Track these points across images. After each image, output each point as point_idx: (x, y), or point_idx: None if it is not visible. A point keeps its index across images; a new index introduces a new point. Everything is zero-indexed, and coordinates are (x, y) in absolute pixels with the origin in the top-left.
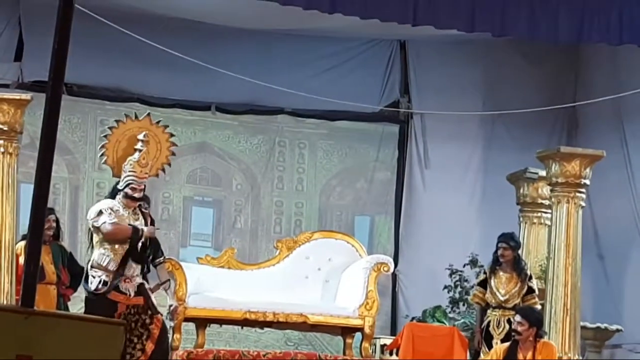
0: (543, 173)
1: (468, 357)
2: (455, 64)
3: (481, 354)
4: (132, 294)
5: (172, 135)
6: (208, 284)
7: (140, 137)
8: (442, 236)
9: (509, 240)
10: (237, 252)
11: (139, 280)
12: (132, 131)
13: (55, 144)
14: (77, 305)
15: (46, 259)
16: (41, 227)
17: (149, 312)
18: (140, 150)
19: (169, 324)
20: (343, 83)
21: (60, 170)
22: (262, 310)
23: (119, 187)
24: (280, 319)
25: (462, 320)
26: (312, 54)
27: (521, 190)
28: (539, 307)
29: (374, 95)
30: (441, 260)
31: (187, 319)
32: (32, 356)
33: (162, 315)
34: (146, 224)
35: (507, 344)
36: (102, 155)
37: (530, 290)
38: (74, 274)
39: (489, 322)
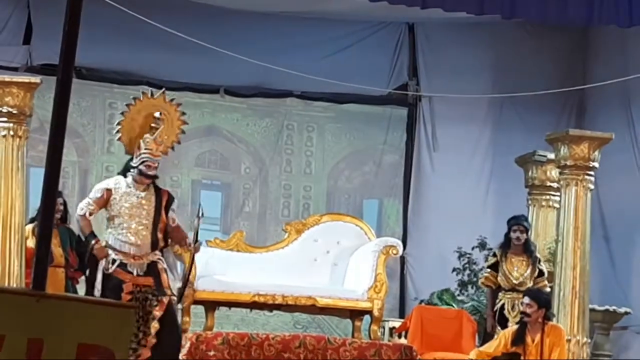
0: (552, 156)
1: (477, 340)
2: (464, 47)
3: (495, 337)
4: (141, 273)
5: (183, 113)
6: (217, 267)
7: (157, 114)
8: (451, 219)
9: (523, 221)
10: (246, 235)
11: (151, 258)
12: (147, 109)
13: (65, 126)
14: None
15: (54, 242)
16: (52, 210)
17: (156, 294)
18: (157, 128)
19: (179, 306)
20: (351, 66)
21: (70, 154)
22: (270, 293)
23: (133, 164)
24: (289, 302)
25: (471, 303)
26: (321, 37)
27: (530, 173)
28: (548, 289)
29: (383, 78)
30: (450, 243)
31: (196, 302)
32: (44, 339)
33: (170, 296)
34: (160, 203)
35: (515, 327)
36: (117, 132)
37: (541, 273)
38: (83, 256)
39: (503, 305)
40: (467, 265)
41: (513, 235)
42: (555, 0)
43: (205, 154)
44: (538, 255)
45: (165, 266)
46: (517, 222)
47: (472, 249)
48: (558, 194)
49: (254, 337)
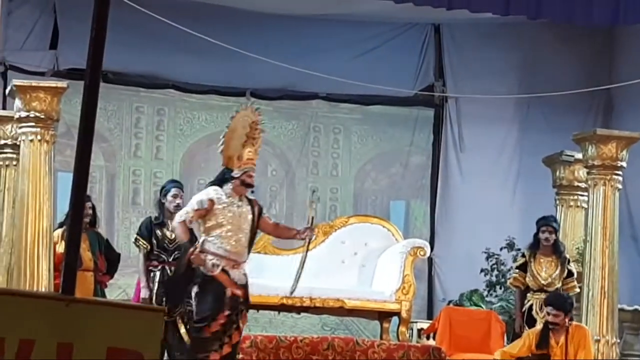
0: (579, 156)
1: (506, 341)
2: (490, 47)
3: None
4: (241, 282)
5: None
6: None
7: (257, 126)
8: (478, 219)
9: (552, 222)
10: (273, 237)
11: (244, 268)
12: (244, 121)
13: (93, 131)
14: (114, 292)
15: (83, 246)
16: (81, 215)
17: (242, 307)
18: (254, 138)
19: None
20: (377, 68)
21: (97, 158)
22: (298, 296)
23: (234, 174)
24: (317, 304)
25: (499, 304)
26: (347, 39)
27: (557, 173)
28: (577, 290)
29: (409, 79)
30: (477, 244)
31: None
32: (73, 343)
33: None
34: (254, 212)
35: (539, 328)
36: (222, 144)
37: (570, 274)
38: (111, 260)
39: (531, 305)
40: (495, 266)
41: (542, 235)
42: (580, 0)
43: None
44: (567, 256)
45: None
46: (546, 222)
47: (500, 249)
48: (586, 193)
49: (283, 339)
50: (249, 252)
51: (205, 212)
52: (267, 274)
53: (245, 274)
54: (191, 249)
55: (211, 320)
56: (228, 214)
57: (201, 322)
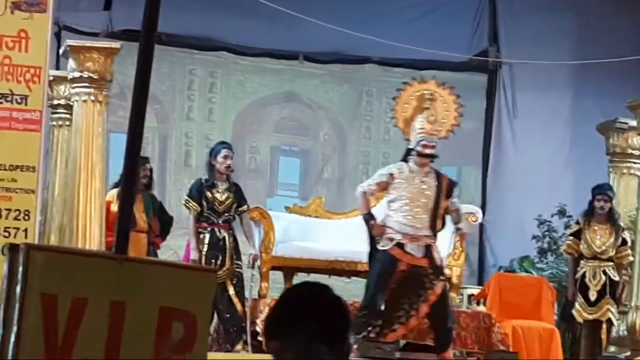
0: (633, 123)
1: (556, 308)
2: (545, 12)
3: (576, 305)
4: (418, 254)
5: (458, 96)
6: (296, 233)
7: (427, 95)
8: (530, 186)
9: (608, 191)
10: (325, 201)
11: (427, 241)
12: (419, 92)
13: (148, 91)
14: (165, 252)
15: (138, 208)
16: (134, 175)
17: (431, 277)
18: (427, 109)
19: (251, 272)
20: (431, 32)
21: (149, 120)
22: (349, 260)
23: (410, 146)
24: (367, 268)
25: (550, 271)
26: (401, 3)
27: (611, 141)
28: (631, 258)
29: (463, 44)
30: (529, 210)
31: (274, 268)
32: (125, 302)
33: (445, 281)
34: (440, 188)
35: None
36: (393, 117)
37: (624, 242)
38: (164, 223)
39: (584, 273)
40: (547, 233)
41: (597, 204)
42: None
43: (284, 120)
44: (622, 224)
45: (439, 251)
46: (602, 191)
47: (552, 216)
48: (639, 161)
49: None
50: (435, 228)
51: (385, 186)
52: (318, 237)
53: (428, 245)
54: (371, 222)
55: (377, 294)
56: (407, 187)
57: (369, 297)
